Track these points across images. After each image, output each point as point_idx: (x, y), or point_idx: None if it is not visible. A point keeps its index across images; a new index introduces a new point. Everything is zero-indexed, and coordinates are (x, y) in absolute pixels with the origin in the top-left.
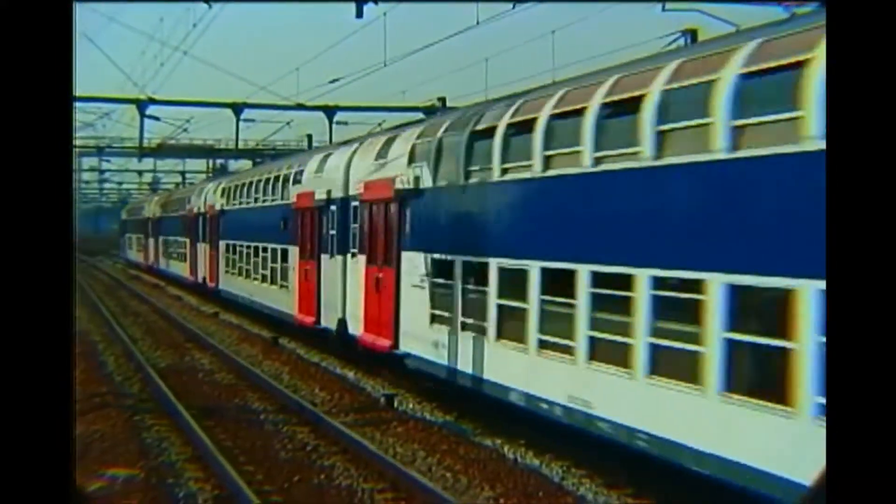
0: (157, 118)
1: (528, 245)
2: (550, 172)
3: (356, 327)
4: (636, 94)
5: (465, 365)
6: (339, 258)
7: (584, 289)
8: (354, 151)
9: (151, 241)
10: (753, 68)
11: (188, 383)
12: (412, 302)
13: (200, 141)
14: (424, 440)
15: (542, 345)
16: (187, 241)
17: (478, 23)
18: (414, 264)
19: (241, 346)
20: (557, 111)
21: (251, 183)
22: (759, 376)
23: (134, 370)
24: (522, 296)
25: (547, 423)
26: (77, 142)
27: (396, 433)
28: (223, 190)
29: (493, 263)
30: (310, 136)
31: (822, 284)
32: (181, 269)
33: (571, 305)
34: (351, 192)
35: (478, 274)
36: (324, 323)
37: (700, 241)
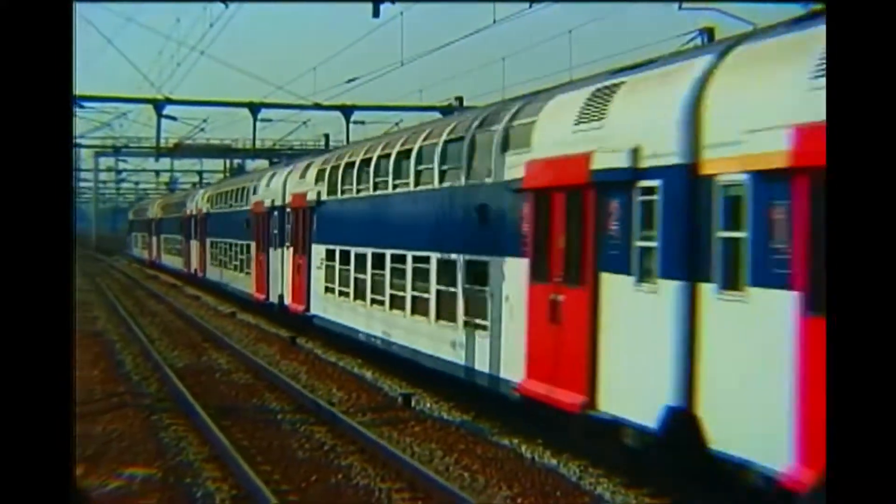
0: (173, 118)
1: (366, 238)
2: (373, 193)
3: (287, 299)
4: (410, 147)
5: (339, 319)
6: (280, 250)
7: (387, 264)
8: (289, 172)
9: (154, 238)
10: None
11: (205, 383)
12: (316, 279)
13: (217, 141)
14: (442, 440)
15: (372, 301)
16: (182, 238)
17: (494, 22)
18: (317, 253)
19: (259, 346)
20: (381, 153)
21: (226, 192)
22: (447, 310)
23: (151, 370)
24: (363, 271)
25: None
26: (94, 142)
27: (414, 433)
28: (207, 197)
29: (352, 251)
30: (327, 136)
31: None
32: (177, 262)
33: (382, 276)
34: (287, 201)
35: (343, 257)
36: (271, 298)
37: (428, 234)
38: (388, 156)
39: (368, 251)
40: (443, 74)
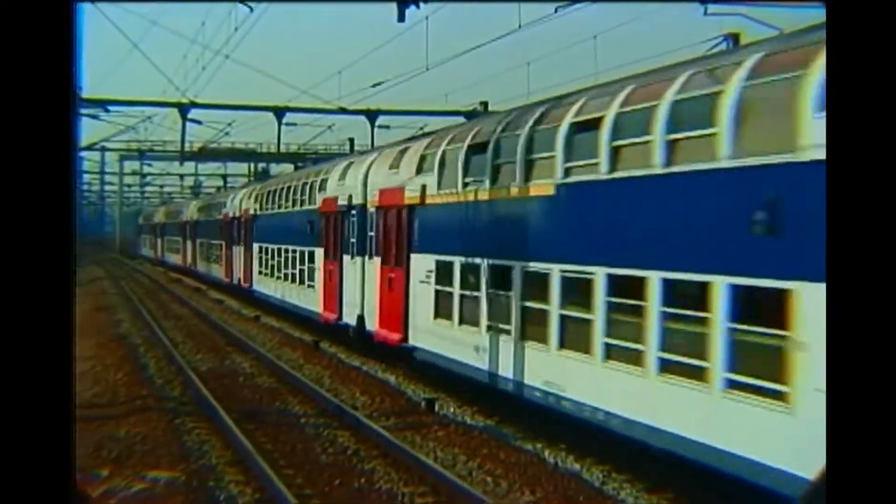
0: (198, 122)
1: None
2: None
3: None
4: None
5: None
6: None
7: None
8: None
9: (159, 240)
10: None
11: (229, 386)
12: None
13: (242, 144)
14: (465, 444)
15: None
16: (180, 239)
17: (520, 26)
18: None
19: (283, 350)
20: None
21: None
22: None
23: (175, 373)
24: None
25: (587, 427)
26: (119, 145)
27: (437, 437)
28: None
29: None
30: (352, 140)
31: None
32: (177, 259)
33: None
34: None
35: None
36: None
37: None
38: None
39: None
40: (468, 79)
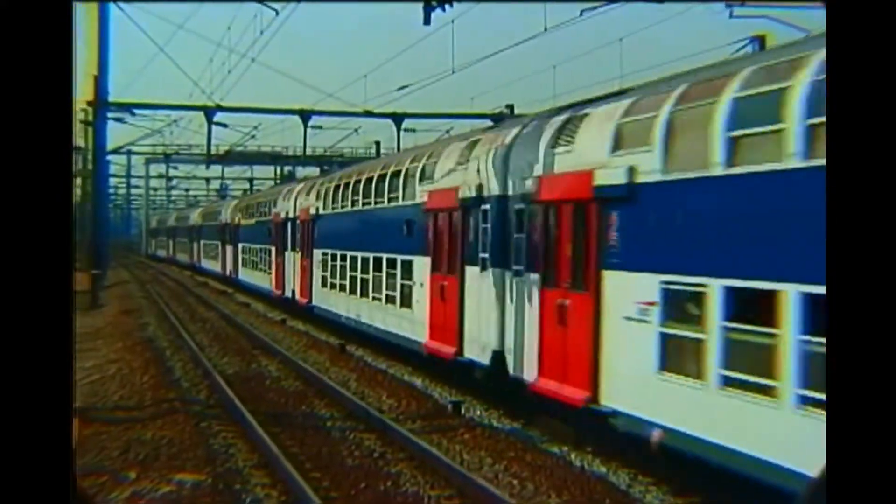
0: (224, 125)
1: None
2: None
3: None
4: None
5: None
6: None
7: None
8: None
9: (171, 241)
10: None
11: (255, 390)
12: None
13: (268, 148)
14: (491, 447)
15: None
16: (187, 241)
17: (546, 30)
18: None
19: (309, 353)
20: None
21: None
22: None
23: (201, 376)
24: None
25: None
26: (145, 149)
27: (463, 440)
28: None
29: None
30: (378, 143)
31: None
32: (185, 258)
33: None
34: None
35: None
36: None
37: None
38: None
39: None
40: (494, 82)
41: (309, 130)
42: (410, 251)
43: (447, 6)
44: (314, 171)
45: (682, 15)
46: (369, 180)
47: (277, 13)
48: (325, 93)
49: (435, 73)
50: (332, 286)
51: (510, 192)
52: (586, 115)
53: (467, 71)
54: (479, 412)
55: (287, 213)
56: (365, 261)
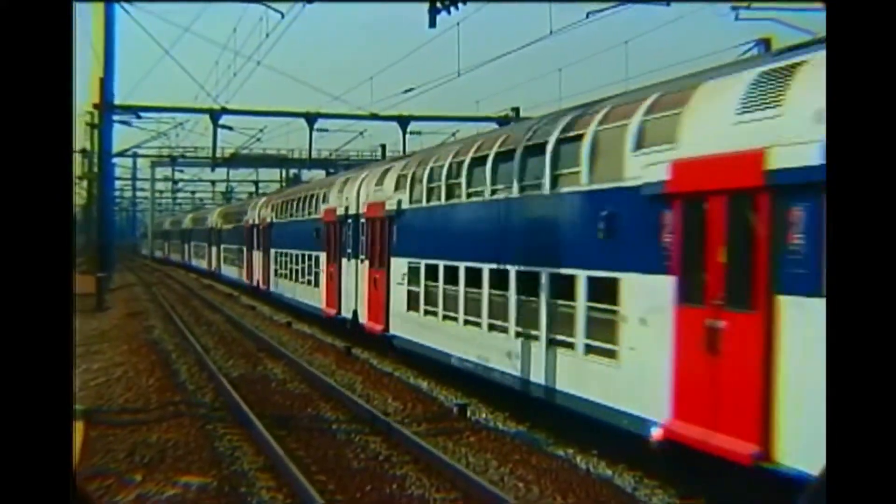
0: (230, 128)
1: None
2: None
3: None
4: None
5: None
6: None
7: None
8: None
9: (166, 243)
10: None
11: (261, 392)
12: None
13: (274, 151)
14: (497, 450)
15: None
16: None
17: (551, 32)
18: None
19: (314, 356)
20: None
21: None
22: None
23: (207, 379)
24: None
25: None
26: (151, 151)
27: (469, 443)
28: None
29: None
30: (383, 147)
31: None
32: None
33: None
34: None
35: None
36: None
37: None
38: None
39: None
40: (499, 85)
41: (315, 133)
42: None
43: (452, 9)
44: (320, 173)
45: (688, 17)
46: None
47: (283, 16)
48: (330, 95)
49: (440, 75)
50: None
51: (360, 212)
52: (388, 168)
53: (473, 74)
54: (484, 415)
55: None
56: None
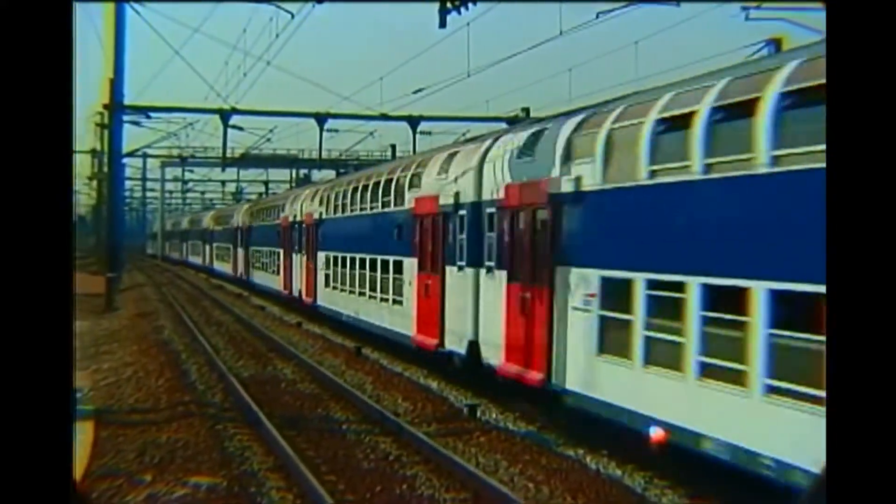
0: (240, 128)
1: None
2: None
3: None
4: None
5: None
6: None
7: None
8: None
9: (184, 244)
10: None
11: (270, 393)
12: None
13: (284, 151)
14: (507, 450)
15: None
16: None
17: (561, 33)
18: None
19: (324, 357)
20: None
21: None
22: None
23: (216, 379)
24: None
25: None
26: (161, 152)
27: (479, 443)
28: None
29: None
30: (394, 147)
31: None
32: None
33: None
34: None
35: None
36: None
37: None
38: None
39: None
40: (509, 85)
41: (325, 133)
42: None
43: (463, 9)
44: (329, 174)
45: (698, 18)
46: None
47: (293, 16)
48: (340, 96)
49: (450, 76)
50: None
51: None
52: (316, 190)
53: (483, 74)
54: (494, 415)
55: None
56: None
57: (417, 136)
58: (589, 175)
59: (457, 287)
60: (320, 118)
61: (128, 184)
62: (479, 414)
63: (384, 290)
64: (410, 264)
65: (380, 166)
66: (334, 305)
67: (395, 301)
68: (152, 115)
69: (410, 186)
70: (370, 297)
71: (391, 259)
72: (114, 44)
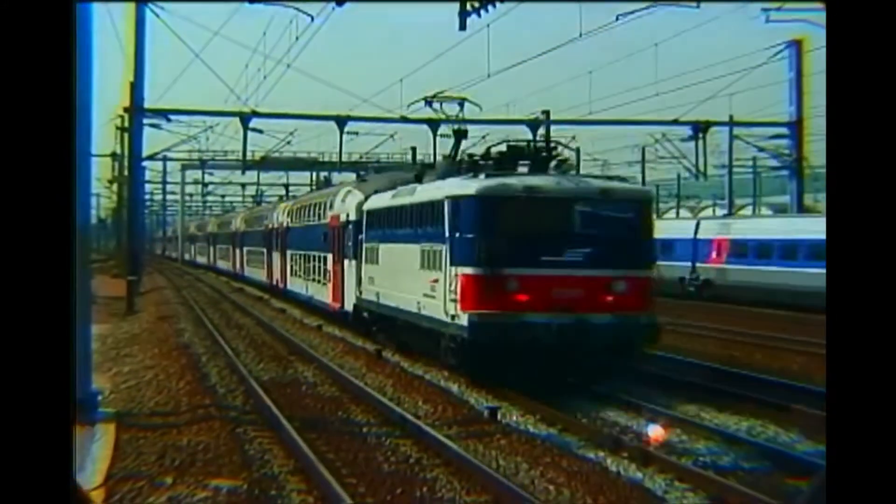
0: (260, 131)
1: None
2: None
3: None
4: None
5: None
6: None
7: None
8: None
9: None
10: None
11: (291, 395)
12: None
13: (304, 154)
14: (527, 452)
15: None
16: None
17: (581, 35)
18: None
19: (345, 359)
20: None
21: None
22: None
23: (237, 382)
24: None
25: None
26: (181, 155)
27: (499, 446)
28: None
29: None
30: (414, 149)
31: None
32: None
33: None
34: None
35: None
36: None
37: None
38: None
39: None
40: (530, 88)
41: (345, 136)
42: (190, 243)
43: (483, 11)
44: (350, 176)
45: (719, 20)
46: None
47: (313, 18)
48: (360, 98)
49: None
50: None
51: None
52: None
53: (503, 76)
54: (515, 417)
55: (168, 234)
56: (173, 244)
57: (437, 138)
58: (353, 211)
59: (274, 256)
60: (340, 121)
61: (147, 187)
62: (499, 416)
63: (321, 275)
64: (330, 257)
65: (318, 192)
66: (295, 289)
67: (323, 283)
68: (172, 118)
69: (331, 206)
70: (314, 280)
71: (324, 255)
72: (134, 47)
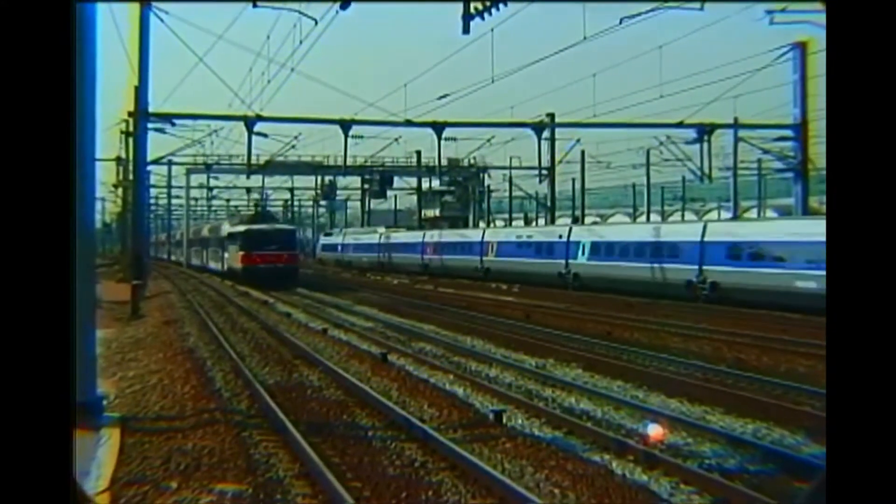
0: (264, 135)
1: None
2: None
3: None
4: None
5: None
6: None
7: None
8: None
9: (229, 253)
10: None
11: (296, 399)
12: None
13: (308, 158)
14: (533, 456)
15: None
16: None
17: (585, 38)
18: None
19: (350, 363)
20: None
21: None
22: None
23: (242, 386)
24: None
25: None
26: (186, 159)
27: (505, 449)
28: (180, 233)
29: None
30: (418, 153)
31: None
32: (181, 258)
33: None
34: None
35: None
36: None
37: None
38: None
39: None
40: (534, 91)
41: (350, 140)
42: (173, 246)
43: (486, 14)
44: (355, 180)
45: (723, 22)
46: (180, 232)
47: (317, 22)
48: (365, 102)
49: (474, 82)
50: (171, 253)
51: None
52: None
53: (507, 80)
54: (520, 421)
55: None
56: (162, 246)
57: (442, 142)
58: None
59: (228, 253)
60: (345, 124)
61: (153, 191)
62: (504, 420)
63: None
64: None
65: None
66: (200, 262)
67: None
68: (177, 122)
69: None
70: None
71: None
72: (138, 51)
